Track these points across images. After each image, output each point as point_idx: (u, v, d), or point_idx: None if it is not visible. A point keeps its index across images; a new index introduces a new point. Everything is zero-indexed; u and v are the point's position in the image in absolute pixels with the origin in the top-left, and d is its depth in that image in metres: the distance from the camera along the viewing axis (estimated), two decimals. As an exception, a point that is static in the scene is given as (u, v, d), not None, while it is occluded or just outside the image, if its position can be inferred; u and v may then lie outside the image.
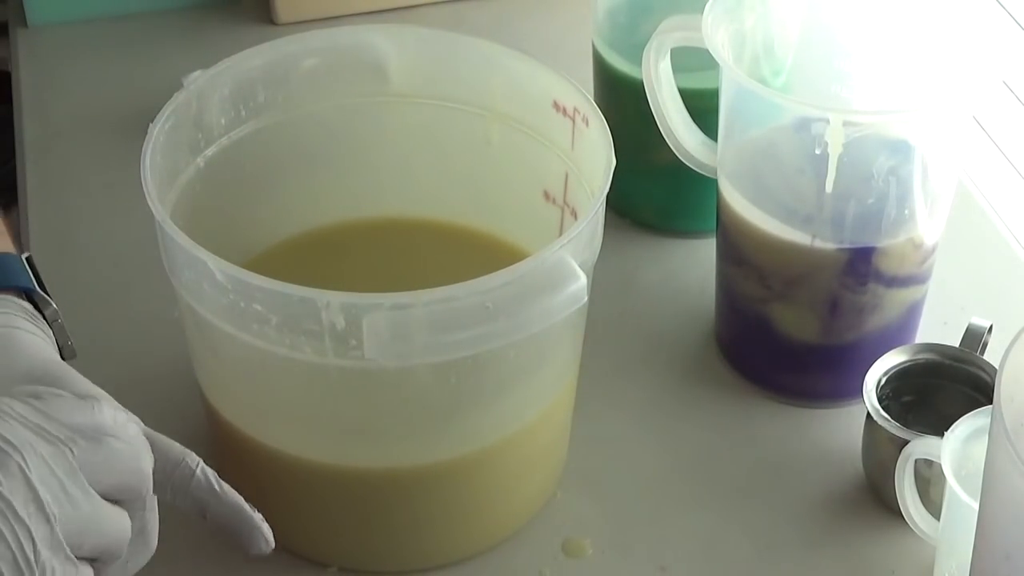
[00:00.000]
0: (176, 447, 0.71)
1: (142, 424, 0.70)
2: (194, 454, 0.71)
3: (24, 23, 1.30)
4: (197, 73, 0.91)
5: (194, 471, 0.70)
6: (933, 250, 0.94)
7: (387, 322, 0.76)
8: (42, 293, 0.78)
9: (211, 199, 0.90)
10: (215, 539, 0.89)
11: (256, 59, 0.91)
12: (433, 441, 0.84)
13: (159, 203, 0.81)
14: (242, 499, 0.71)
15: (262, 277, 0.77)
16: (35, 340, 0.74)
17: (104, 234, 1.10)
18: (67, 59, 1.27)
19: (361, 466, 0.85)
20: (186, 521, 0.84)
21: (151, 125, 0.85)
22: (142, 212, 0.82)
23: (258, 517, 0.71)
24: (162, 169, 0.85)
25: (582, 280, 0.78)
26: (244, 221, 0.94)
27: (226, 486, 0.71)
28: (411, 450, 0.85)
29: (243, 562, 0.87)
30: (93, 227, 1.11)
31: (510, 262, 0.78)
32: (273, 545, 0.72)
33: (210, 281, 0.78)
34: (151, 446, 0.68)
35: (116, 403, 0.71)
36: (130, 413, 0.71)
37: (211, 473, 0.71)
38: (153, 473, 0.68)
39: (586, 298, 0.79)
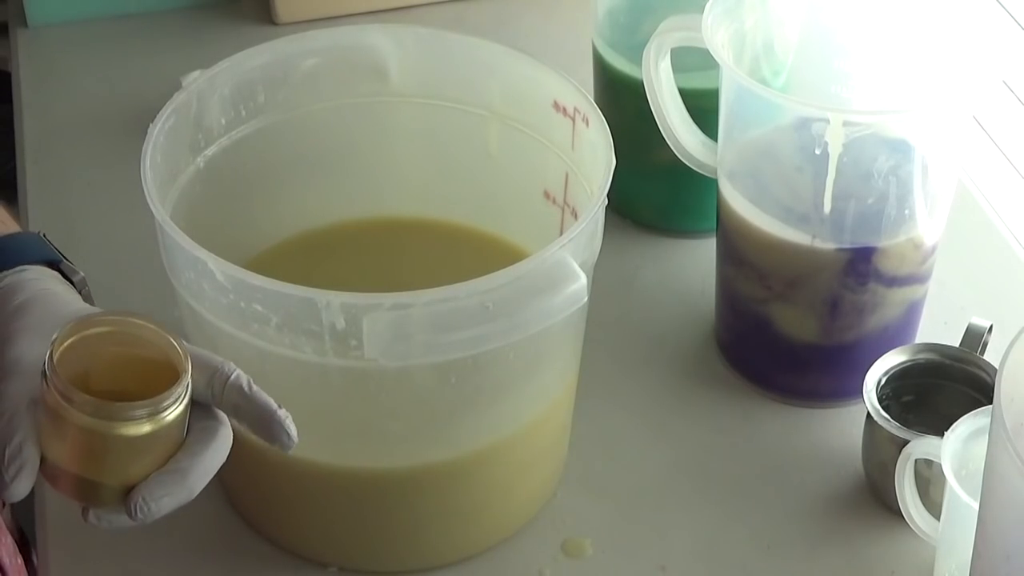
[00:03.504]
0: (215, 358, 0.75)
1: (185, 343, 0.74)
2: (232, 363, 0.75)
3: (24, 23, 1.30)
4: (197, 73, 0.91)
5: (229, 376, 0.74)
6: (933, 250, 0.94)
7: (387, 322, 0.76)
8: (69, 263, 0.82)
9: (211, 199, 0.90)
10: (215, 539, 0.90)
11: (256, 59, 0.91)
12: (433, 441, 0.84)
13: (159, 203, 0.81)
14: (271, 400, 0.75)
15: (262, 277, 0.77)
16: (71, 298, 0.79)
17: (104, 234, 1.10)
18: (67, 59, 1.27)
19: (361, 466, 0.85)
20: (186, 521, 0.84)
21: (151, 125, 0.85)
22: (142, 212, 0.81)
23: (282, 413, 0.74)
24: (162, 169, 0.85)
25: (582, 280, 0.78)
26: (244, 221, 0.94)
27: (256, 387, 0.75)
28: (411, 450, 0.84)
29: (243, 561, 0.87)
30: (93, 227, 1.10)
31: (510, 262, 0.78)
32: (296, 441, 0.74)
33: (210, 281, 0.78)
34: (193, 360, 0.73)
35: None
36: (174, 336, 0.73)
37: (245, 378, 0.74)
38: (195, 382, 0.72)
39: (586, 298, 0.79)
